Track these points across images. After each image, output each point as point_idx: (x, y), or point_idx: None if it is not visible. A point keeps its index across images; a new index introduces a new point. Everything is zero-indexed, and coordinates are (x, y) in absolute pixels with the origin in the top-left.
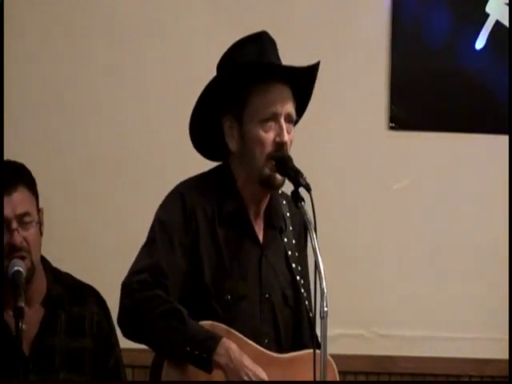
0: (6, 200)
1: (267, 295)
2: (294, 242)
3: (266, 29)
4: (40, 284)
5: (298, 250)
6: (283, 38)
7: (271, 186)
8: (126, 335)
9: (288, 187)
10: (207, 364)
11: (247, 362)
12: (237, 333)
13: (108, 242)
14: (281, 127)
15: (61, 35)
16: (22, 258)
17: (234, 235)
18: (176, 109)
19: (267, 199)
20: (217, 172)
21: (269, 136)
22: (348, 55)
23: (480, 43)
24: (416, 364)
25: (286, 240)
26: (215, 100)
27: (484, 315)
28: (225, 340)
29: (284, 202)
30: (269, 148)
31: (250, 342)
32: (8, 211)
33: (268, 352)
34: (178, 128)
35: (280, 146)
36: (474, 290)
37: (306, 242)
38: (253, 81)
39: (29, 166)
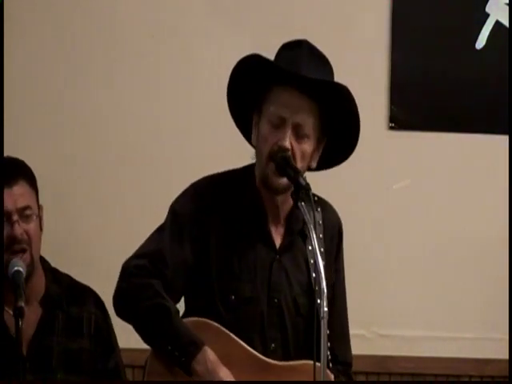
0: (6, 193)
1: (276, 300)
2: (322, 249)
3: (265, 28)
4: (39, 283)
5: (325, 259)
6: (283, 38)
7: (270, 187)
8: (117, 315)
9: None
10: (185, 368)
11: (224, 374)
12: (226, 331)
13: (108, 242)
14: (284, 133)
15: (61, 35)
16: (23, 251)
17: (248, 236)
18: (176, 109)
19: (287, 204)
20: (241, 171)
21: (273, 136)
22: (348, 55)
23: (480, 43)
24: (416, 364)
25: (310, 248)
26: (243, 94)
27: (484, 315)
28: (206, 349)
29: (318, 209)
30: (271, 147)
31: (241, 343)
32: (9, 204)
33: (261, 356)
34: (179, 128)
35: (281, 149)
36: (474, 290)
37: (338, 251)
38: (275, 80)
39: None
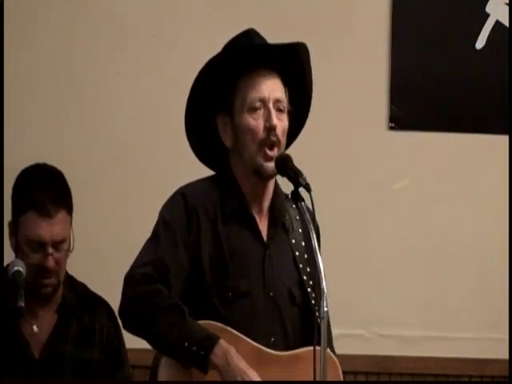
0: (45, 222)
1: (271, 293)
2: (303, 243)
3: (265, 29)
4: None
5: (307, 252)
6: (283, 37)
7: (263, 174)
8: (126, 328)
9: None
10: (204, 362)
11: (243, 365)
12: (233, 330)
13: (107, 242)
14: (269, 112)
15: (60, 35)
16: (50, 277)
17: (237, 233)
18: (176, 109)
19: (269, 195)
20: (218, 173)
21: (259, 123)
22: (348, 55)
23: (480, 43)
24: (416, 364)
25: (293, 241)
26: (205, 100)
27: (484, 315)
28: (222, 341)
29: (294, 206)
30: (260, 135)
31: (248, 340)
32: (46, 235)
33: (267, 350)
34: (178, 129)
35: (270, 130)
36: (474, 290)
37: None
38: (239, 69)
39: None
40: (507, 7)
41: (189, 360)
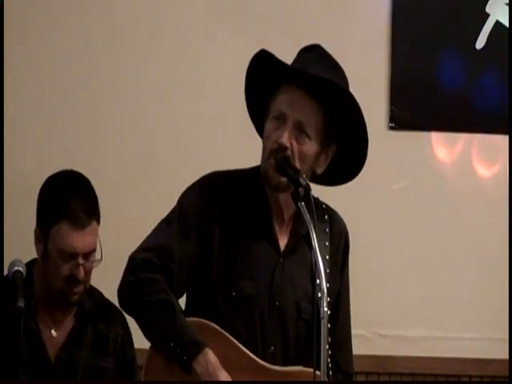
0: (78, 233)
1: (277, 303)
2: (326, 257)
3: (265, 29)
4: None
5: (330, 267)
6: (283, 38)
7: (269, 184)
8: (122, 307)
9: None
10: (186, 366)
11: (224, 378)
12: (226, 333)
13: (107, 243)
14: (284, 130)
15: (60, 36)
16: (78, 286)
17: (253, 236)
18: (176, 109)
19: (290, 205)
20: (250, 170)
21: (275, 134)
22: (348, 55)
23: (480, 43)
24: (416, 364)
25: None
26: (258, 94)
27: (484, 315)
28: (207, 351)
29: (326, 218)
30: (272, 145)
31: (239, 346)
32: (79, 246)
33: (257, 359)
34: (179, 129)
35: (280, 147)
36: (474, 290)
37: (344, 261)
38: (283, 78)
39: (28, 168)
40: (507, 7)
41: (173, 359)
